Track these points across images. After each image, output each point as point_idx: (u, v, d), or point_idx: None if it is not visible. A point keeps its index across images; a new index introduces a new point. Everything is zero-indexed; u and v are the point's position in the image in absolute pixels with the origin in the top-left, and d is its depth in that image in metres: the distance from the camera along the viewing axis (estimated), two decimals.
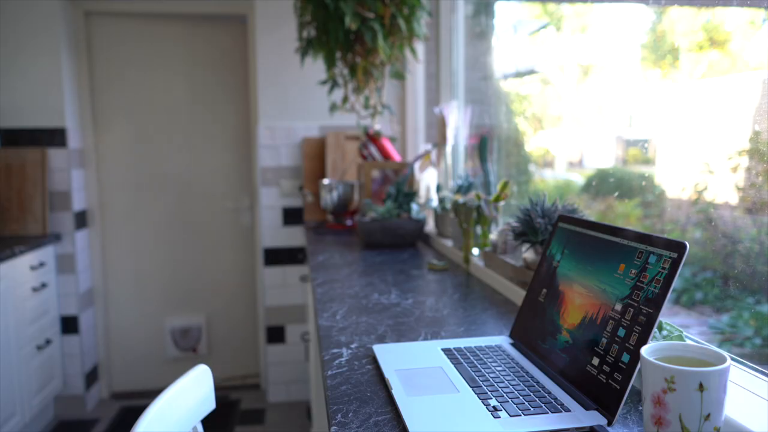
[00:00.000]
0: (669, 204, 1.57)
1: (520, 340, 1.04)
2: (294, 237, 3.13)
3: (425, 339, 1.13)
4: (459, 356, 0.99)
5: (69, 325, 3.02)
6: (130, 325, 3.35)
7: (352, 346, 1.09)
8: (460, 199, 1.80)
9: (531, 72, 2.39)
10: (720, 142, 1.29)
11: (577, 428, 0.74)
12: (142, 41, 3.21)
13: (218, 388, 3.21)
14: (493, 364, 0.96)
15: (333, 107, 2.48)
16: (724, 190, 1.27)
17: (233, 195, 3.39)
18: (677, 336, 0.84)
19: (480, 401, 0.82)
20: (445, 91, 2.65)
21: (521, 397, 0.83)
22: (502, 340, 1.07)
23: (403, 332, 1.17)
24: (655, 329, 0.75)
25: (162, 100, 3.28)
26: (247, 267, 3.43)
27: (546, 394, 0.84)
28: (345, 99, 2.43)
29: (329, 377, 0.94)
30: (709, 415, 0.62)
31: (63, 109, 2.93)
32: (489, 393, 0.85)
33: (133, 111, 3.25)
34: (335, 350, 1.07)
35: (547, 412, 0.78)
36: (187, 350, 3.36)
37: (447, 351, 1.02)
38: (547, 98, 2.39)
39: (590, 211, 1.74)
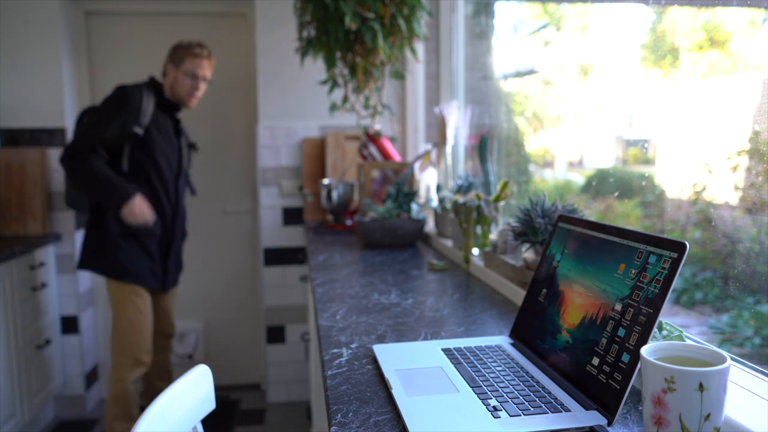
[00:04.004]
0: (669, 204, 1.57)
1: (520, 340, 1.04)
2: (294, 237, 3.13)
3: (425, 339, 1.13)
4: (459, 356, 0.99)
5: (69, 325, 3.02)
6: None
7: (352, 346, 1.09)
8: (460, 199, 1.80)
9: (531, 72, 2.39)
10: (720, 142, 1.29)
11: (577, 428, 0.74)
12: (142, 41, 3.21)
13: (218, 388, 3.21)
14: (493, 364, 0.96)
15: (333, 107, 2.49)
16: (724, 190, 1.27)
17: (233, 195, 3.39)
18: (677, 336, 0.84)
19: (480, 401, 0.82)
20: (445, 91, 2.65)
21: (521, 397, 0.83)
22: (502, 340, 1.07)
23: (403, 332, 1.17)
24: (655, 329, 0.75)
25: None
26: (246, 267, 3.43)
27: (546, 394, 0.84)
28: (345, 99, 2.43)
29: (329, 377, 0.94)
30: (709, 415, 0.62)
31: (63, 109, 2.93)
32: (489, 393, 0.85)
33: None
34: (335, 350, 1.07)
35: (547, 412, 0.78)
36: (183, 357, 3.32)
37: (447, 351, 1.02)
38: (547, 98, 2.39)
39: (590, 211, 1.74)
